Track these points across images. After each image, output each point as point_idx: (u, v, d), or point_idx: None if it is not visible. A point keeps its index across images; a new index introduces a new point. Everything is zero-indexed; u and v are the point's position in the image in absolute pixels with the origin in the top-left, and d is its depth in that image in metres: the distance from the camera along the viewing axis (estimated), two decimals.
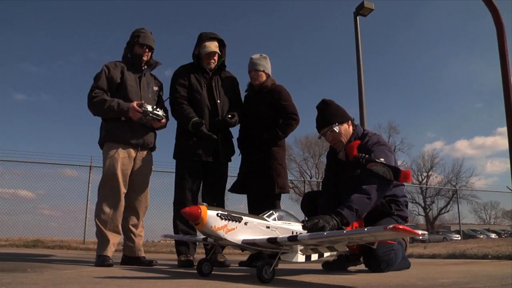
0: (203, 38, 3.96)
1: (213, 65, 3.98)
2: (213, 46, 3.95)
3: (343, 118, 3.23)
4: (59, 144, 46.02)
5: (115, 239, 3.52)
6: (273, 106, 3.95)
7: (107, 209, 3.51)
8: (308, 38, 66.06)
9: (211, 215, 2.23)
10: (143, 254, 3.73)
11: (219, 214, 2.27)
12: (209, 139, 3.78)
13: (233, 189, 4.08)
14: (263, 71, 4.03)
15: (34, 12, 57.56)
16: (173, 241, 4.07)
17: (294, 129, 3.99)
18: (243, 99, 4.25)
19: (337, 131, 3.17)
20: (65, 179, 12.25)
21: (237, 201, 9.82)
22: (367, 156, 2.95)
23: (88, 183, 11.07)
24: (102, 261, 3.31)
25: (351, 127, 3.27)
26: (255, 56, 4.09)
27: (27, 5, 56.12)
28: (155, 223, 11.47)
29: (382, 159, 2.88)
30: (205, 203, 2.29)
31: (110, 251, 3.44)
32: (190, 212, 2.21)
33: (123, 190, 3.60)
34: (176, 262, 3.77)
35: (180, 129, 3.91)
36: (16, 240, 9.32)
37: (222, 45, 4.07)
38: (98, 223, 3.50)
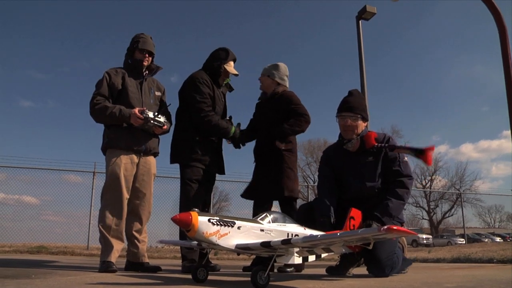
0: (231, 57, 4.07)
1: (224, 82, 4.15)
2: (235, 69, 4.12)
3: (366, 116, 3.36)
4: (63, 150, 46.09)
5: (118, 246, 3.51)
6: (283, 112, 4.01)
7: (110, 216, 3.51)
8: (310, 42, 66.21)
9: (202, 221, 2.20)
10: (147, 260, 3.73)
11: (210, 220, 2.24)
12: (238, 142, 4.03)
13: (245, 195, 4.16)
14: (268, 76, 4.14)
15: (40, 18, 57.97)
16: (178, 247, 4.07)
17: (303, 126, 4.01)
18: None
19: (357, 123, 3.26)
20: (69, 185, 12.30)
21: (241, 207, 9.83)
22: (387, 144, 3.19)
23: (92, 189, 11.12)
24: (106, 267, 3.31)
25: (364, 128, 3.35)
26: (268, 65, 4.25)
27: (33, 11, 56.51)
28: (160, 228, 11.50)
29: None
30: (196, 209, 2.27)
31: (114, 257, 3.43)
32: (181, 219, 2.18)
33: (126, 196, 3.61)
34: (180, 268, 3.77)
35: (187, 135, 3.88)
36: (20, 246, 9.33)
37: None
38: (102, 229, 3.50)
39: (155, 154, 3.92)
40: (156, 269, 3.65)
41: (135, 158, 3.69)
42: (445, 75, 63.20)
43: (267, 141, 4.01)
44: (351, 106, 3.28)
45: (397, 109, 61.41)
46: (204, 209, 3.88)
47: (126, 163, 3.62)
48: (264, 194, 3.98)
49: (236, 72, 4.09)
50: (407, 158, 3.24)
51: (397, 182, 3.16)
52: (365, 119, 3.32)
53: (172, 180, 11.06)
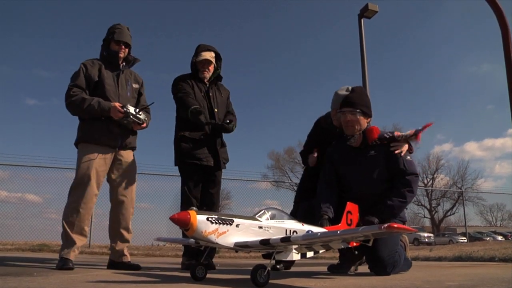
0: (200, 48, 4.05)
1: (207, 75, 4.03)
2: (208, 55, 4.00)
3: (368, 111, 3.33)
4: (66, 148, 46.06)
5: (80, 242, 3.40)
6: None
7: (76, 212, 3.38)
8: (312, 41, 65.95)
9: (200, 220, 2.20)
10: (128, 259, 3.63)
11: (209, 218, 2.23)
12: (207, 125, 3.81)
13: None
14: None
15: (46, 17, 58.03)
16: (180, 245, 4.07)
17: None
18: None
19: (357, 117, 3.25)
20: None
21: (243, 205, 9.82)
22: (391, 135, 3.23)
23: None
24: (62, 264, 3.20)
25: (366, 124, 3.33)
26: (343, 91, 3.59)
27: (39, 10, 56.55)
28: (161, 227, 11.47)
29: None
30: (194, 208, 2.26)
31: (73, 255, 3.31)
32: (179, 218, 2.17)
33: (96, 192, 3.50)
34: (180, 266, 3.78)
35: (178, 135, 3.90)
36: (22, 244, 9.33)
37: (218, 58, 4.16)
38: (65, 225, 3.37)
39: (133, 149, 3.81)
40: (137, 267, 3.54)
41: (109, 153, 3.57)
42: (450, 73, 62.65)
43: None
44: (350, 101, 3.28)
45: (399, 108, 61.06)
46: (202, 208, 3.84)
47: (99, 158, 3.49)
48: None
49: (206, 58, 3.97)
50: (410, 157, 3.23)
51: (401, 181, 3.14)
52: (366, 114, 3.30)
53: (171, 178, 11.08)
